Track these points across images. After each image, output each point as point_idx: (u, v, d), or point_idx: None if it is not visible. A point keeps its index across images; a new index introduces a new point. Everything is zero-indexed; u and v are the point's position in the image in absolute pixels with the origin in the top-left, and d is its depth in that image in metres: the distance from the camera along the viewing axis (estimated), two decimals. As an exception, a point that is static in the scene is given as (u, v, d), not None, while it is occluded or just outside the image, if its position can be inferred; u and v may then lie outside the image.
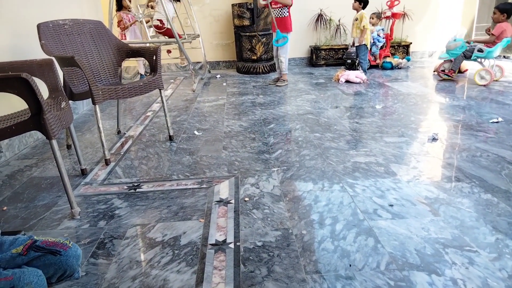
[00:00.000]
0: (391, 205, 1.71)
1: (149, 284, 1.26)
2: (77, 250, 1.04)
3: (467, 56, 4.30)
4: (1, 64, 1.97)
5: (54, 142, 1.64)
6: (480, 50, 4.18)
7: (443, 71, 4.57)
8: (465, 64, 4.69)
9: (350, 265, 1.30)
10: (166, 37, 5.05)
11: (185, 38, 4.72)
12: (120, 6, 5.00)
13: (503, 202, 1.70)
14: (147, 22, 4.86)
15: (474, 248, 1.39)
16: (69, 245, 1.04)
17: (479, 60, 4.27)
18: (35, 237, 1.03)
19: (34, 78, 1.52)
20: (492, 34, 4.21)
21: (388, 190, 1.86)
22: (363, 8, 4.79)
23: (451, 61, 4.51)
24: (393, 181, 1.95)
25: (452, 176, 2.00)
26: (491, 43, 4.20)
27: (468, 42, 4.42)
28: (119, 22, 5.16)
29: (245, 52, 5.59)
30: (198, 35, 5.35)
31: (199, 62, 5.75)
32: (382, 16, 5.66)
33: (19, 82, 1.46)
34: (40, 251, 0.99)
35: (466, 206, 1.69)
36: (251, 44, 5.48)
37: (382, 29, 5.55)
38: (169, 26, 4.67)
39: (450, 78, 4.52)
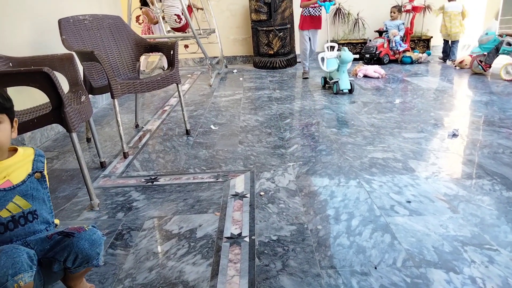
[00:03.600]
0: (409, 202, 1.68)
1: (165, 275, 1.28)
2: (93, 235, 1.02)
3: (499, 49, 4.17)
4: (24, 58, 2.02)
5: (74, 135, 1.68)
6: (509, 44, 4.04)
7: (481, 61, 4.42)
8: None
9: (375, 268, 1.27)
10: (181, 32, 5.08)
11: (200, 34, 4.74)
12: (144, 2, 5.03)
13: (526, 200, 1.65)
14: (163, 18, 4.90)
15: (494, 246, 1.36)
16: (86, 228, 1.02)
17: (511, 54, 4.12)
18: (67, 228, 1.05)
19: (55, 72, 1.55)
20: None
21: (406, 186, 1.83)
22: None
23: (484, 55, 4.38)
24: (411, 177, 1.92)
25: (473, 173, 1.95)
26: None
27: (500, 36, 4.28)
28: (146, 18, 5.19)
29: (262, 46, 5.57)
30: (213, 30, 5.36)
31: (216, 57, 5.76)
32: (403, 10, 5.54)
33: (40, 76, 1.50)
34: (60, 235, 1.01)
35: (487, 203, 1.65)
36: (268, 39, 5.46)
37: (403, 23, 5.44)
38: (184, 18, 4.71)
39: (483, 71, 4.40)
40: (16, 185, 0.99)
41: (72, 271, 1.04)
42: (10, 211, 0.97)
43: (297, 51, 5.91)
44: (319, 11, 4.53)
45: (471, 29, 6.05)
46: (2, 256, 0.84)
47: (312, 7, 4.48)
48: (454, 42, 5.32)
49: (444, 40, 5.43)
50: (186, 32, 5.03)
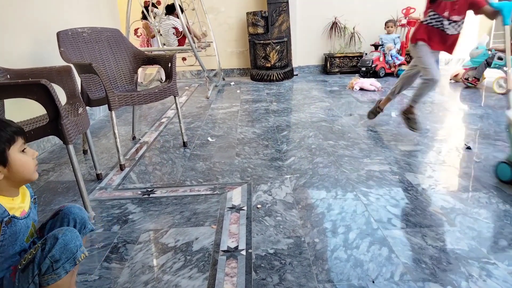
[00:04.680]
0: (406, 215, 1.68)
1: (161, 290, 1.27)
2: (75, 204, 1.14)
3: (489, 63, 4.22)
4: (22, 70, 2.02)
5: (71, 147, 1.67)
6: (500, 58, 4.10)
7: (467, 79, 4.51)
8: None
9: (373, 282, 1.26)
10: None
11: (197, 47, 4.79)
12: (145, 16, 5.09)
13: (523, 213, 1.66)
14: (159, 31, 4.98)
15: (491, 260, 1.35)
16: (66, 204, 1.14)
17: (503, 68, 4.17)
18: None
19: (52, 84, 1.56)
20: None
21: (403, 199, 1.83)
22: None
23: (474, 68, 4.45)
24: (408, 190, 1.92)
25: (469, 185, 1.95)
26: None
27: (489, 50, 4.36)
28: (145, 31, 5.25)
29: (259, 59, 5.62)
30: (209, 44, 5.41)
31: (213, 70, 5.80)
32: (397, 24, 5.63)
33: (38, 88, 1.50)
34: (47, 224, 1.09)
35: (484, 216, 1.65)
36: (265, 52, 5.51)
37: (398, 37, 5.52)
38: (184, 33, 4.78)
39: (473, 86, 4.46)
40: (28, 212, 1.01)
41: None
42: (30, 237, 1.01)
43: (294, 64, 5.97)
44: (458, 27, 2.56)
45: (465, 44, 6.14)
46: (66, 231, 0.94)
47: (448, 18, 2.51)
48: None
49: None
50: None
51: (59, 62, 2.29)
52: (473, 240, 1.48)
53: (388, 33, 5.52)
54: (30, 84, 1.53)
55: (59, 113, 1.58)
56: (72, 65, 2.16)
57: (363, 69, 5.40)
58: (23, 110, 2.19)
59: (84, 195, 1.73)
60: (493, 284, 1.23)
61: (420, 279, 1.27)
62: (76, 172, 1.70)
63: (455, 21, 2.53)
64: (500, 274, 1.28)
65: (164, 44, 5.13)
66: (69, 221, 1.07)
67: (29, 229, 0.99)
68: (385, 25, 5.55)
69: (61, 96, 1.66)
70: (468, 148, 2.47)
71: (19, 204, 0.97)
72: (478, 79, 4.39)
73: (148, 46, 5.25)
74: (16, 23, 2.56)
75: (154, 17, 4.82)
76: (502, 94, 4.06)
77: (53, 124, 1.60)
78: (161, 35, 5.06)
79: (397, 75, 5.42)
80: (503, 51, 4.24)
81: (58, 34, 2.40)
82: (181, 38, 5.16)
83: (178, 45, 5.15)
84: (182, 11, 4.92)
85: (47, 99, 1.54)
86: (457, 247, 1.43)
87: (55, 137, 1.94)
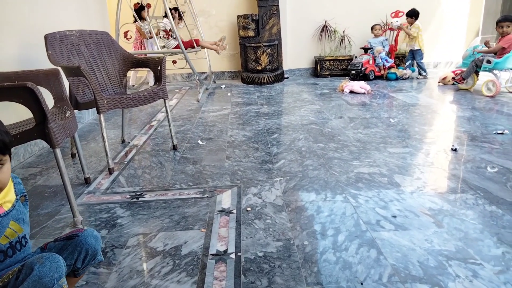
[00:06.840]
0: (394, 216, 1.69)
1: (149, 294, 1.26)
2: (93, 232, 1.09)
3: (479, 66, 4.30)
4: (8, 73, 2.00)
5: (58, 150, 1.65)
6: (488, 61, 4.17)
7: (454, 78, 4.61)
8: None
9: (362, 284, 1.26)
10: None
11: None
12: (139, 17, 5.05)
13: (508, 214, 1.68)
14: (156, 34, 4.94)
15: (478, 260, 1.37)
16: (84, 228, 1.10)
17: (494, 71, 4.23)
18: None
19: (39, 87, 1.54)
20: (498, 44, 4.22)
21: (392, 201, 1.85)
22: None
23: (462, 71, 4.57)
24: (397, 192, 1.94)
25: (457, 187, 1.98)
26: (497, 54, 4.20)
27: (473, 52, 4.45)
28: (138, 32, 5.21)
29: (250, 62, 5.63)
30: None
31: (204, 73, 5.79)
32: (386, 28, 5.69)
33: (24, 92, 1.48)
34: (58, 241, 1.06)
35: (471, 217, 1.67)
36: (256, 55, 5.52)
37: (386, 39, 5.58)
38: (174, 36, 4.76)
39: (458, 84, 4.55)
40: (8, 210, 0.98)
41: (80, 272, 1.09)
42: (8, 237, 0.97)
43: (285, 66, 6.00)
44: None
45: (452, 47, 6.24)
46: (46, 261, 0.88)
47: None
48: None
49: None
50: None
51: (47, 65, 2.27)
52: (460, 241, 1.49)
53: (376, 36, 5.58)
54: (16, 87, 1.51)
55: (45, 116, 1.56)
56: (59, 68, 2.14)
57: (353, 72, 5.44)
58: (9, 113, 2.16)
59: (72, 200, 1.71)
60: (479, 284, 1.24)
61: (408, 280, 1.27)
62: (63, 176, 1.68)
63: None
64: (486, 275, 1.29)
65: (164, 46, 5.08)
66: (81, 251, 1.05)
67: (6, 228, 0.95)
68: (372, 28, 5.60)
69: (48, 99, 1.64)
70: (454, 150, 2.51)
71: None
72: (464, 79, 4.47)
73: (141, 48, 5.22)
74: (3, 25, 2.53)
75: (145, 19, 4.79)
76: (490, 96, 4.12)
77: (39, 127, 1.58)
78: (160, 37, 5.02)
79: (387, 78, 5.49)
80: (484, 52, 4.33)
81: (46, 36, 2.38)
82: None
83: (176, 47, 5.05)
84: (166, 16, 4.90)
85: (34, 103, 1.52)
86: (444, 248, 1.45)
87: (43, 141, 1.92)
